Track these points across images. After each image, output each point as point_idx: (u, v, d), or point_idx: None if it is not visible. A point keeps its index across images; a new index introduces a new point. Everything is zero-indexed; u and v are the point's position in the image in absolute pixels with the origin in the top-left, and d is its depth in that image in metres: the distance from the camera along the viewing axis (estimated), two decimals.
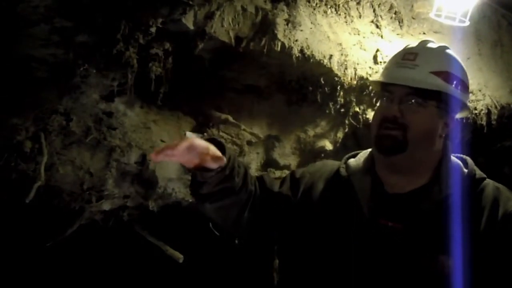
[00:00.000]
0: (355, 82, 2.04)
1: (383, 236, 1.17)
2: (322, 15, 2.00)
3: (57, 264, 2.10)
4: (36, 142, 1.70)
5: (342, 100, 2.07)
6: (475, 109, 2.31)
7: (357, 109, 2.14)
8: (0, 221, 1.90)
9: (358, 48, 2.07)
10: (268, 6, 1.83)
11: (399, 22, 2.25)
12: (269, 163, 2.16)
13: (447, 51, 1.27)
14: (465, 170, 1.23)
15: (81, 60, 1.60)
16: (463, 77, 1.25)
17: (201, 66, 1.88)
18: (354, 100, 2.11)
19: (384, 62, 1.93)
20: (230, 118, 2.01)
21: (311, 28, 1.91)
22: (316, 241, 1.24)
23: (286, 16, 1.84)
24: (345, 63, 1.99)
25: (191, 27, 1.68)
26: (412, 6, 2.26)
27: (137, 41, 1.62)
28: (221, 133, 2.01)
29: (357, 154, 1.37)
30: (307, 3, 1.93)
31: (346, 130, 2.22)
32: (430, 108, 1.19)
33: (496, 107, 2.36)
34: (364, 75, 2.04)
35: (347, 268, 1.18)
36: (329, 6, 2.01)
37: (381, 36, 2.16)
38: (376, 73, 2.03)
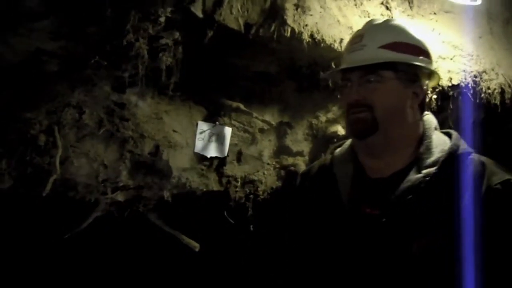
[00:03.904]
0: None
1: (362, 223, 1.15)
2: None
3: (75, 255, 2.13)
4: (50, 136, 1.70)
5: None
6: (489, 88, 2.28)
7: None
8: (18, 214, 1.93)
9: None
10: None
11: (409, 3, 2.21)
12: (281, 150, 2.15)
13: (392, 23, 1.26)
14: (449, 146, 1.18)
15: (92, 52, 1.60)
16: (415, 42, 1.22)
17: (211, 55, 1.87)
18: None
19: None
20: (242, 106, 2.00)
21: (320, 12, 1.89)
22: (308, 236, 1.26)
23: (295, 0, 1.82)
24: None
25: (200, 15, 1.67)
26: None
27: (147, 31, 1.61)
28: (232, 122, 2.00)
29: (343, 143, 1.36)
30: None
31: None
32: (389, 82, 1.17)
33: (509, 86, 2.33)
34: None
35: (334, 260, 1.18)
36: None
37: (392, 18, 2.13)
38: None
